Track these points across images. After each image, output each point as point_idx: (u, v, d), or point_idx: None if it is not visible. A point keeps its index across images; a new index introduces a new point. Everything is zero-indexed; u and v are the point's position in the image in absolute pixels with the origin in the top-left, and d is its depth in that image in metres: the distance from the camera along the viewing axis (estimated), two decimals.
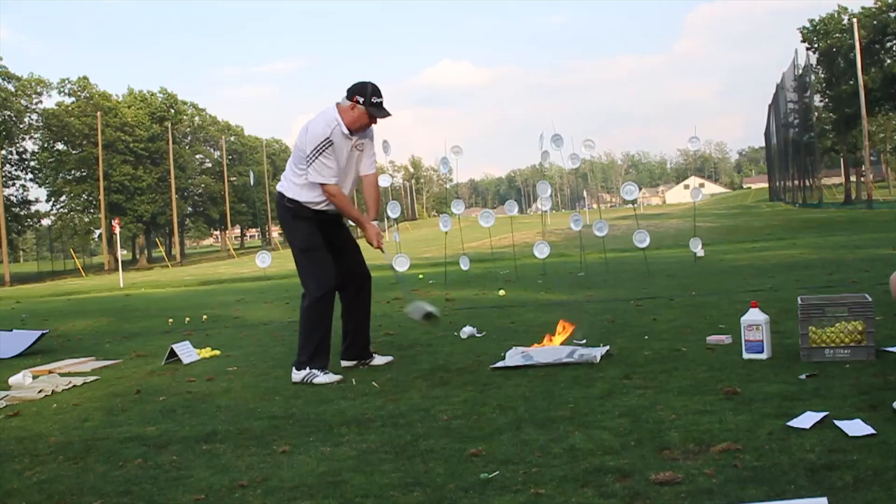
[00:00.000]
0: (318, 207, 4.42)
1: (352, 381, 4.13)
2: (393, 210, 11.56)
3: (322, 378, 4.22)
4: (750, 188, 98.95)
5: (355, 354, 4.65)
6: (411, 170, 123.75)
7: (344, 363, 4.62)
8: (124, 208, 55.25)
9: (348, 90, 4.31)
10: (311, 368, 4.26)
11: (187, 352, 5.45)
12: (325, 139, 4.24)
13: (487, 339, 5.25)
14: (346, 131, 4.30)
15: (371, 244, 4.48)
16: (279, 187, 4.56)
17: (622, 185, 11.26)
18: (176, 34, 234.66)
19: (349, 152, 4.38)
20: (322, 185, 4.32)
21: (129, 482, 2.65)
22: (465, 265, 11.73)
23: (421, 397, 3.62)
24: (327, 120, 4.28)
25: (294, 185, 4.42)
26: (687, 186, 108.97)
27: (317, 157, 4.26)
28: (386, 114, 4.34)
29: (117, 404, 4.05)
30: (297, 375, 4.29)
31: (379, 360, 4.67)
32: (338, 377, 4.26)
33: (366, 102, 4.26)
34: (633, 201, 12.66)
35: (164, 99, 62.38)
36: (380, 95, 4.30)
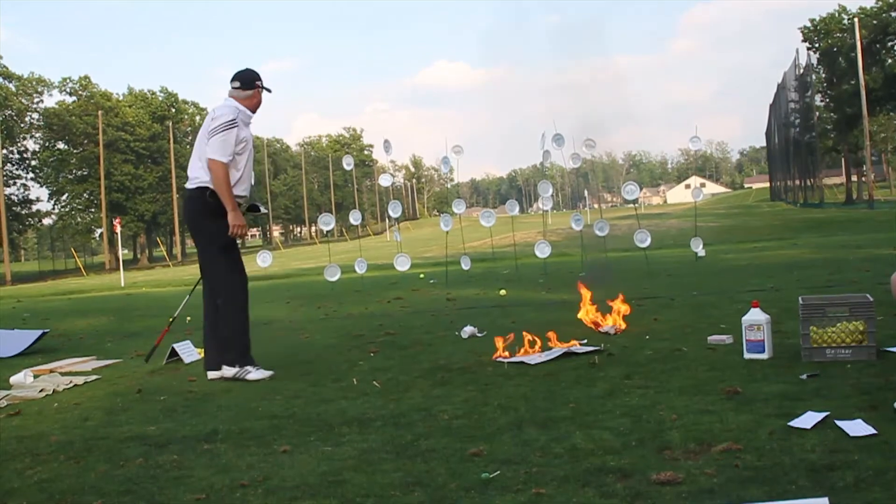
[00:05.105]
0: (237, 192, 4.49)
1: (352, 381, 4.12)
2: (394, 209, 11.56)
3: (256, 374, 4.40)
4: (751, 188, 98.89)
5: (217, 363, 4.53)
6: (412, 169, 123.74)
7: (212, 374, 4.52)
8: (125, 207, 55.24)
9: (245, 80, 4.58)
10: (241, 366, 4.42)
11: (188, 351, 5.45)
12: (230, 119, 4.44)
13: (488, 339, 5.24)
14: (251, 115, 4.61)
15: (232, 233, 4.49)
16: (193, 185, 4.53)
17: (623, 185, 11.25)
18: (176, 34, 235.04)
19: (249, 142, 4.56)
20: (211, 161, 4.37)
21: (129, 481, 2.65)
22: (465, 265, 11.73)
23: (422, 397, 3.62)
24: (230, 106, 4.51)
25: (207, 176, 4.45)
26: (688, 186, 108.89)
27: (218, 133, 4.39)
28: (269, 90, 4.77)
29: (118, 403, 4.05)
30: (228, 371, 4.41)
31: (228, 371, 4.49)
32: (270, 372, 4.42)
33: (261, 85, 4.65)
34: (634, 201, 12.65)
35: (165, 98, 62.39)
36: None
